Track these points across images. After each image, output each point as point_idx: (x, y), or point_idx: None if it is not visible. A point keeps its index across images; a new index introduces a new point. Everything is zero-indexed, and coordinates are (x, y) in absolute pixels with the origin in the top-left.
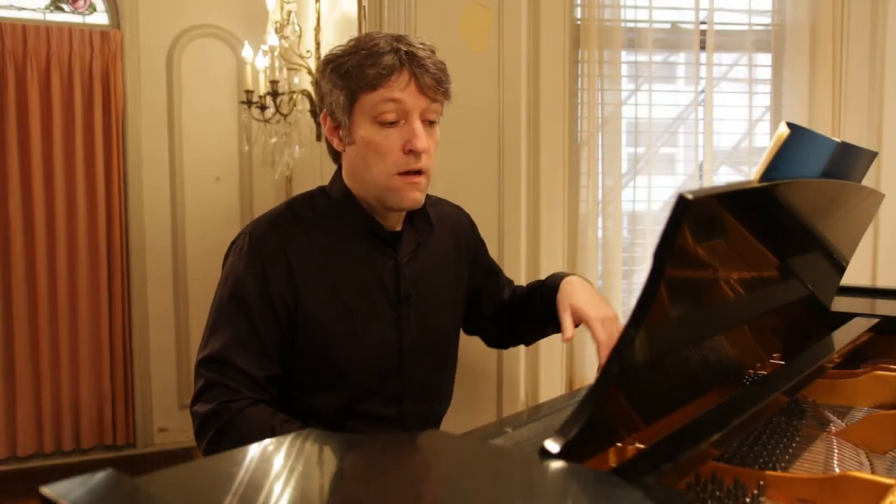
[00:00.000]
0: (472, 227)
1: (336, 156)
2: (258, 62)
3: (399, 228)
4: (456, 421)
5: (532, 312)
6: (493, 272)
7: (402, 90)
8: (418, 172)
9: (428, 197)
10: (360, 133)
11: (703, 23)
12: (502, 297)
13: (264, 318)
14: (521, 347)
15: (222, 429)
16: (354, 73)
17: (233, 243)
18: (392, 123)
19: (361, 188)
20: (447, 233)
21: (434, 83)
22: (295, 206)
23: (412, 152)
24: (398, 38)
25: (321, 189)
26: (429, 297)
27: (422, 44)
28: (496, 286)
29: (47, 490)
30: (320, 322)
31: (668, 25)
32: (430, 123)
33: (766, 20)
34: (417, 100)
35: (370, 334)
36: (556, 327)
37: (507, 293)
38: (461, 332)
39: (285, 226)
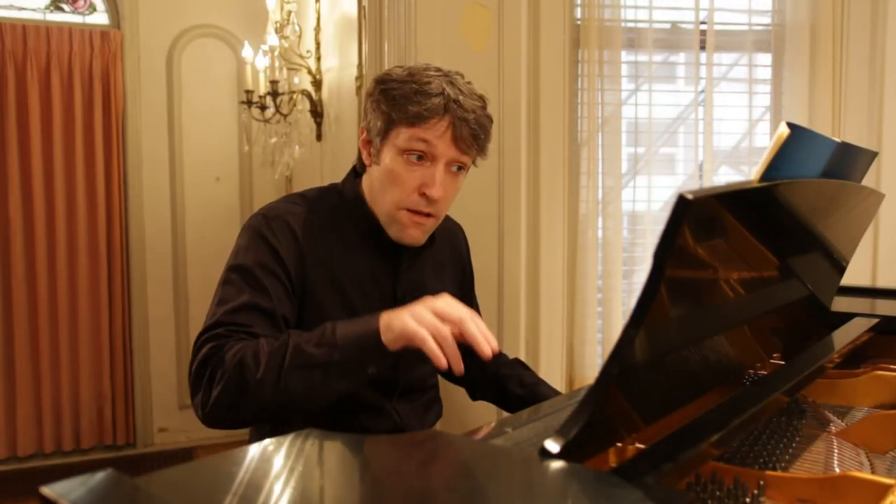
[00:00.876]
0: (468, 246)
1: (360, 163)
2: (258, 62)
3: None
4: (456, 421)
5: (506, 393)
6: (470, 301)
7: (437, 136)
8: (428, 215)
9: None
10: (386, 160)
11: (703, 23)
12: None
13: (275, 289)
14: (521, 347)
15: (213, 370)
16: (399, 103)
17: (247, 223)
18: (418, 160)
19: (375, 204)
20: (445, 245)
21: (471, 138)
22: (308, 198)
23: (425, 196)
24: (451, 81)
25: (332, 187)
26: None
27: (473, 93)
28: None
29: (47, 490)
30: (324, 308)
31: (668, 25)
32: (457, 169)
33: (766, 20)
34: (449, 149)
35: None
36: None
37: None
38: None
39: (298, 213)
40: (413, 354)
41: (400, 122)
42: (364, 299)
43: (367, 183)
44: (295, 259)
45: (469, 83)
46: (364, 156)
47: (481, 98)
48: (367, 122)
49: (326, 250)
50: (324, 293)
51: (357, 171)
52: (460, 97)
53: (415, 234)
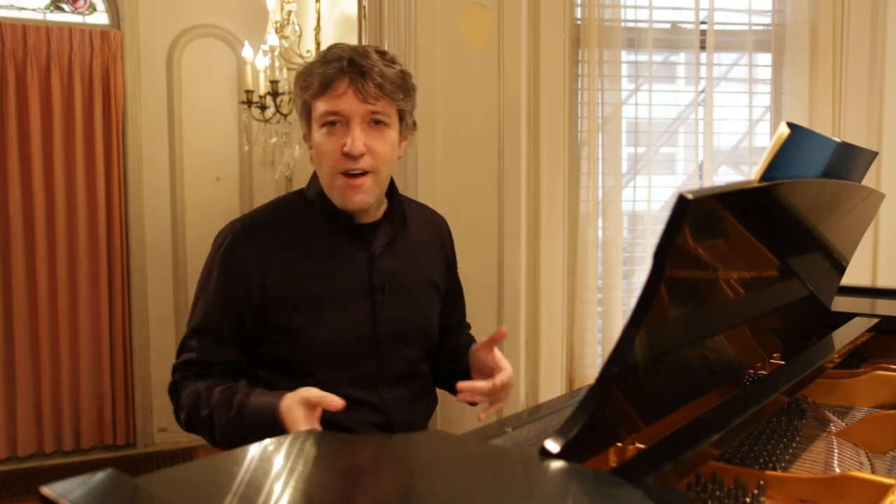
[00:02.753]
0: (451, 236)
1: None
2: (258, 62)
3: (374, 220)
4: (456, 421)
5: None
6: (455, 283)
7: (339, 96)
8: (362, 174)
9: (406, 199)
10: (314, 137)
11: (703, 23)
12: (452, 316)
13: (228, 307)
14: (521, 347)
15: (177, 400)
16: (307, 81)
17: (215, 240)
18: (333, 125)
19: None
20: (425, 232)
21: (376, 88)
22: (273, 206)
23: (348, 155)
24: (354, 49)
25: (300, 190)
26: (404, 288)
27: (380, 53)
28: (453, 301)
29: (47, 490)
30: (291, 310)
31: (668, 25)
32: (375, 124)
33: (766, 20)
34: (355, 105)
35: (343, 321)
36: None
37: (458, 317)
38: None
39: (260, 225)
40: (395, 339)
41: (313, 97)
42: (340, 291)
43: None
44: (254, 276)
45: (384, 52)
46: (308, 147)
47: (391, 58)
48: (298, 114)
49: (295, 254)
50: (289, 298)
51: None
52: (358, 58)
53: (356, 196)
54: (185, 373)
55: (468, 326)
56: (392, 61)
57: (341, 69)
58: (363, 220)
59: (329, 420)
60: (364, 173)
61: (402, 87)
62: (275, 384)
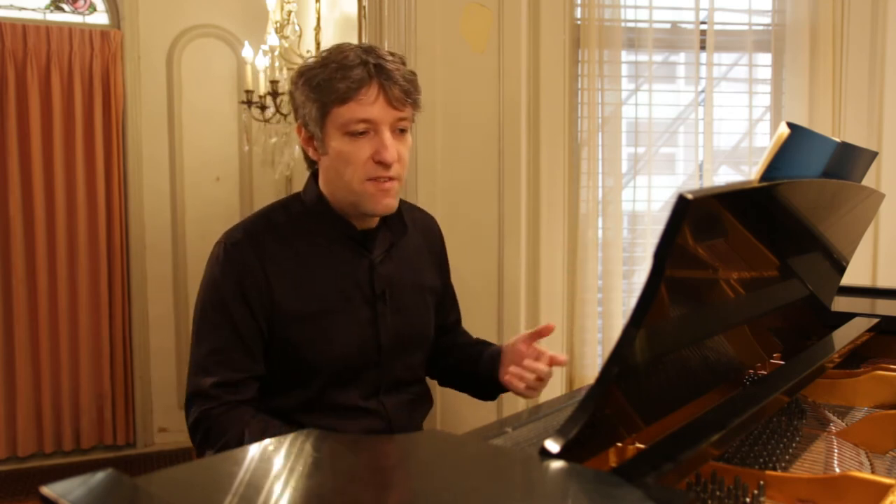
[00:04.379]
0: (442, 237)
1: (311, 163)
2: (258, 62)
3: (372, 227)
4: (456, 421)
5: (466, 368)
6: (448, 287)
7: (371, 103)
8: (389, 179)
9: (402, 202)
10: (332, 144)
11: (703, 23)
12: (447, 318)
13: (243, 319)
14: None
15: (206, 434)
16: (325, 86)
17: (212, 252)
18: (362, 134)
19: (337, 194)
20: (419, 235)
21: (403, 95)
22: (269, 213)
23: (381, 163)
24: (367, 51)
25: (295, 195)
26: (403, 295)
27: (391, 55)
28: (446, 303)
29: (47, 490)
30: (297, 321)
31: (668, 25)
32: (400, 132)
33: (766, 20)
34: (386, 112)
35: (347, 331)
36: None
37: (454, 317)
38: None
39: (259, 232)
40: (396, 346)
41: (333, 103)
42: (341, 299)
43: (324, 177)
44: (260, 283)
45: (393, 53)
46: (311, 153)
47: (400, 57)
48: (302, 119)
49: (294, 262)
50: (293, 307)
51: (315, 175)
52: (380, 61)
53: (386, 200)
54: (212, 404)
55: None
56: (403, 62)
57: (368, 74)
58: (362, 227)
59: (329, 428)
60: (391, 178)
61: (418, 90)
62: (272, 394)
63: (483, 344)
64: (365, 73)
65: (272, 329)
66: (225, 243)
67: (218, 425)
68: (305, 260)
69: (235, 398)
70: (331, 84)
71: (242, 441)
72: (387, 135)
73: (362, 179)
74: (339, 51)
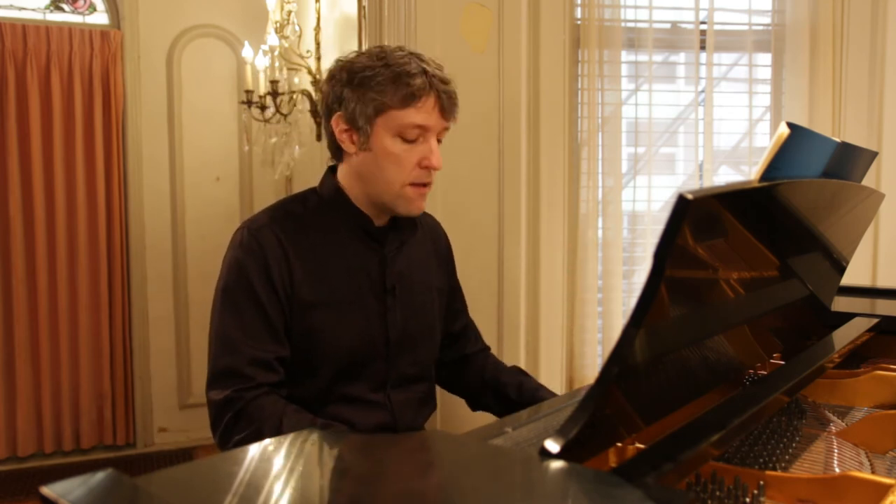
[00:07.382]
0: (449, 242)
1: (336, 154)
2: (258, 62)
3: (385, 224)
4: (456, 421)
5: (502, 400)
6: (456, 290)
7: (428, 112)
8: (426, 184)
9: None
10: (381, 143)
11: (703, 23)
12: (455, 324)
13: (270, 300)
14: (522, 347)
15: (237, 416)
16: (386, 88)
17: (233, 239)
18: (413, 139)
19: (368, 189)
20: (428, 237)
21: (452, 107)
22: (287, 205)
23: (427, 168)
24: (420, 58)
25: (312, 189)
26: (412, 291)
27: (437, 65)
28: (454, 307)
29: (47, 490)
30: (312, 309)
31: (668, 25)
32: (438, 141)
33: (766, 20)
34: (439, 122)
35: (358, 323)
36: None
37: (461, 323)
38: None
39: (280, 219)
40: (403, 341)
41: (392, 105)
42: (354, 291)
43: (354, 171)
44: (282, 266)
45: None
46: (347, 146)
47: (443, 67)
48: (347, 112)
49: (312, 251)
50: (310, 294)
51: (332, 169)
52: (437, 72)
53: (419, 203)
54: (247, 384)
55: (488, 347)
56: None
57: (430, 85)
58: (378, 224)
59: (336, 418)
60: (427, 184)
61: (458, 105)
62: (286, 384)
63: (531, 385)
64: (426, 82)
65: (292, 312)
66: (249, 227)
67: (254, 410)
68: (321, 250)
69: (268, 380)
70: (393, 87)
71: (280, 431)
72: (433, 142)
73: (405, 182)
74: (396, 56)
